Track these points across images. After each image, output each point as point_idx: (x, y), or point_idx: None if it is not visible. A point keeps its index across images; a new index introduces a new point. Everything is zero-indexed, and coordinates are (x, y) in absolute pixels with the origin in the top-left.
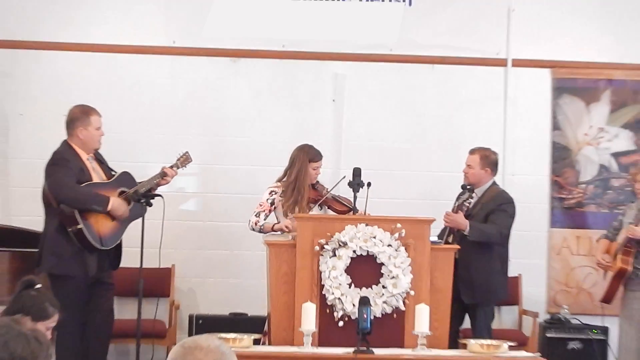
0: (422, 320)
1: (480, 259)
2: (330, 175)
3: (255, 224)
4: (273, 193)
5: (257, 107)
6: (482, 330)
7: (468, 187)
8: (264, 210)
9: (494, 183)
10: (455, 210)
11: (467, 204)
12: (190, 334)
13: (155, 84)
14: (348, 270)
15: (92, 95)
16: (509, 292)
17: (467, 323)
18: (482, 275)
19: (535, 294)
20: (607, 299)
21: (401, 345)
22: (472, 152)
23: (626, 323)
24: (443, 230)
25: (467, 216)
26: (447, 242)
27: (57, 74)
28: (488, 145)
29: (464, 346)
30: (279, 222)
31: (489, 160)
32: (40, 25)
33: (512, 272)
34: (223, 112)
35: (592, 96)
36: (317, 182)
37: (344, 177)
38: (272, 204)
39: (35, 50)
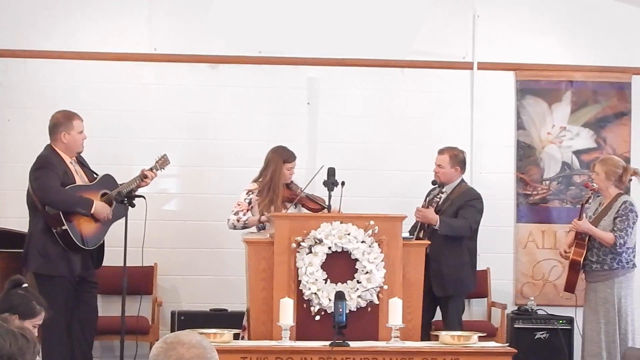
0: (395, 313)
1: (450, 253)
2: (306, 175)
3: (237, 220)
4: (250, 193)
5: (236, 110)
6: (453, 321)
7: (438, 183)
8: (242, 210)
9: (462, 180)
10: (426, 206)
11: (437, 199)
12: (172, 330)
13: (138, 89)
14: (324, 266)
15: (77, 101)
16: (479, 285)
17: (438, 315)
18: (453, 268)
19: (503, 286)
20: (568, 288)
21: (376, 337)
22: (441, 152)
23: (587, 313)
24: (414, 226)
25: (437, 212)
26: (418, 238)
27: (43, 81)
28: (456, 145)
29: (436, 338)
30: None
31: (458, 159)
32: (26, 34)
33: (481, 266)
34: (203, 115)
35: (554, 97)
36: (292, 182)
37: (322, 166)
38: (250, 203)
39: (21, 59)
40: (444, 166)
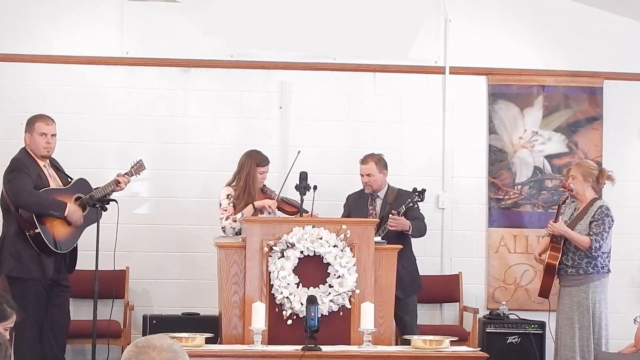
0: (367, 317)
1: (403, 254)
2: (278, 179)
3: (234, 221)
4: (230, 197)
5: (207, 114)
6: (412, 320)
7: (418, 190)
8: (231, 214)
9: (389, 183)
10: (400, 214)
11: (412, 206)
12: (144, 334)
13: (110, 93)
14: (296, 271)
15: (47, 105)
16: (451, 289)
17: None
18: (407, 269)
19: (474, 290)
20: (543, 293)
21: (348, 342)
22: (364, 161)
23: (560, 317)
24: None
25: (379, 218)
26: None
27: (16, 85)
28: (429, 149)
29: (407, 342)
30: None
31: (382, 163)
32: None
33: (452, 270)
34: (175, 119)
35: (526, 101)
36: (264, 186)
37: (299, 152)
38: (234, 206)
39: None
40: (373, 174)
